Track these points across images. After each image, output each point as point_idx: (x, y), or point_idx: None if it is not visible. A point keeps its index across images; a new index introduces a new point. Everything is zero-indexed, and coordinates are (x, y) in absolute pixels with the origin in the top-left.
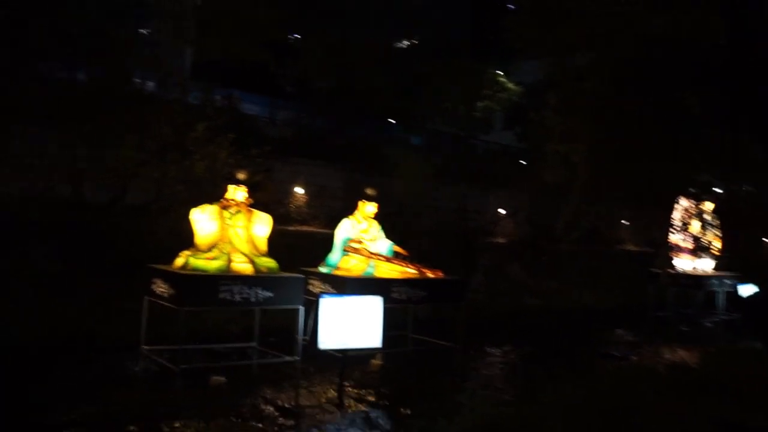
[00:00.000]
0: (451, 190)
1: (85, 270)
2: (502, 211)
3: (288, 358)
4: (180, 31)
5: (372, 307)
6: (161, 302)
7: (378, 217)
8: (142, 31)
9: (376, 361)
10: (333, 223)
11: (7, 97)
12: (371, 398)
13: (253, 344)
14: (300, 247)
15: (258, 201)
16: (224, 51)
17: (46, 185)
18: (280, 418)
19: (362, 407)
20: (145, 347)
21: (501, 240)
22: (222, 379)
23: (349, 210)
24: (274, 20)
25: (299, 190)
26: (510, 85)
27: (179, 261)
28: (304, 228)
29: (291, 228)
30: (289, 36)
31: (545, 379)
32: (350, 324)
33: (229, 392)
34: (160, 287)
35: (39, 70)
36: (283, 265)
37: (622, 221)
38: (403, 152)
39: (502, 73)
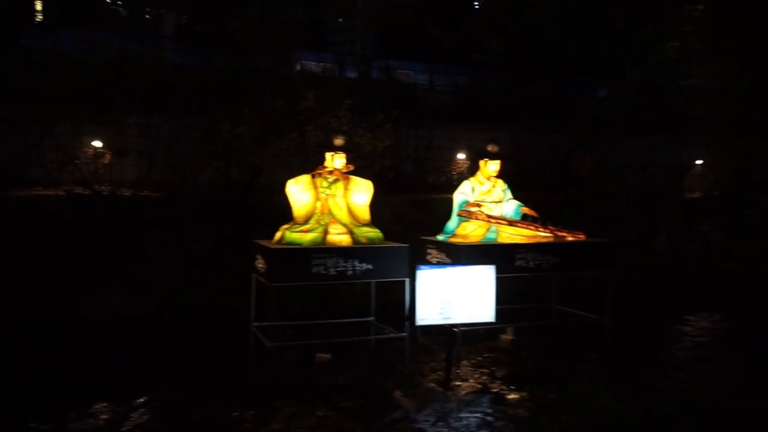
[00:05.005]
0: (637, 143)
1: (231, 248)
2: (699, 162)
3: (399, 334)
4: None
5: (482, 277)
6: (260, 278)
7: (542, 177)
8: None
9: (507, 336)
10: None
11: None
12: (483, 381)
13: (371, 319)
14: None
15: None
16: (386, 21)
17: (196, 168)
18: (364, 401)
19: (469, 390)
20: (255, 324)
21: (694, 195)
22: (327, 356)
23: (520, 173)
24: None
25: (461, 156)
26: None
27: (277, 235)
28: None
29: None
30: None
31: (707, 364)
32: (455, 297)
33: (329, 370)
34: (260, 263)
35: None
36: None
37: None
38: (583, 106)
39: (701, 7)
